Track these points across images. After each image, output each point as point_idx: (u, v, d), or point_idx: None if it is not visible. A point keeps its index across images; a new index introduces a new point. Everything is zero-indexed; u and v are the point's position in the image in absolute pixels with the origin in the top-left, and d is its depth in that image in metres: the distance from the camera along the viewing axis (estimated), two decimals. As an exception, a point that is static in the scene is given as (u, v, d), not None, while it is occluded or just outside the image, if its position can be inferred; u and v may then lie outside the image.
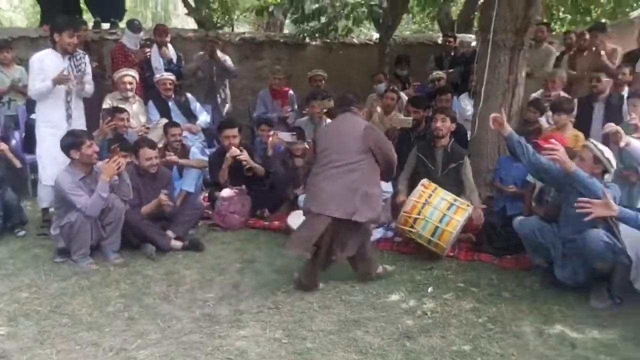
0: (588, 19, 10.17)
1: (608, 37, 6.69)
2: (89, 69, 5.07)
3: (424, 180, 4.57)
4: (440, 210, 4.34)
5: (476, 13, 10.85)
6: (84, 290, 3.80)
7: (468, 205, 4.46)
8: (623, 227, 3.72)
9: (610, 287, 3.70)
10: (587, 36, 6.59)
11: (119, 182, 4.36)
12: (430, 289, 3.90)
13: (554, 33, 8.69)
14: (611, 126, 4.07)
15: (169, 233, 4.62)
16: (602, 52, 6.10)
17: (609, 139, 4.35)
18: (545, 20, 8.25)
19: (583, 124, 5.21)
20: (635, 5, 9.07)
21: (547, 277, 4.02)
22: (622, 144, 4.01)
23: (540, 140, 4.63)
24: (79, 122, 4.94)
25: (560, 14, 10.92)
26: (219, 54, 7.19)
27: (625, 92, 5.59)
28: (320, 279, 3.87)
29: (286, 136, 5.62)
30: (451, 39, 8.06)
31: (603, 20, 8.53)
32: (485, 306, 3.64)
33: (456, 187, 4.75)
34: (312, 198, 3.77)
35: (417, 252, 4.53)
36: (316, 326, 3.32)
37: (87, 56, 5.10)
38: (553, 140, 4.25)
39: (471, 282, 4.04)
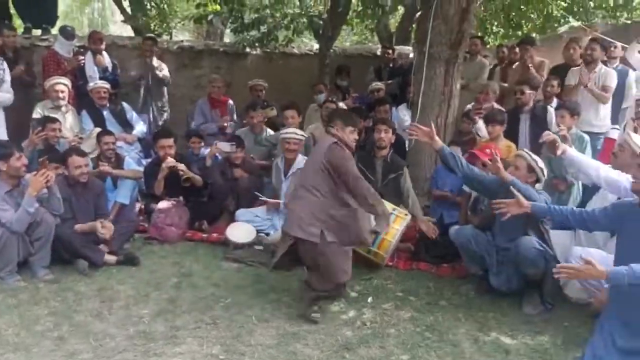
0: (519, 33, 10.60)
1: (537, 50, 6.98)
2: (7, 77, 4.81)
3: (364, 191, 4.59)
4: (379, 219, 4.38)
5: (414, 26, 11.13)
6: (11, 309, 3.61)
7: (406, 214, 4.54)
8: (553, 235, 3.89)
9: (542, 294, 3.84)
10: (517, 49, 6.86)
11: (49, 195, 4.17)
12: (369, 299, 3.93)
13: (487, 46, 8.98)
14: (549, 135, 4.22)
15: (102, 247, 4.46)
16: (530, 65, 6.34)
17: (538, 149, 4.53)
18: (479, 34, 8.54)
19: (511, 135, 5.39)
20: (563, 21, 9.52)
21: (482, 284, 4.12)
22: (559, 152, 4.17)
23: (476, 150, 4.78)
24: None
25: (494, 28, 11.33)
26: (155, 61, 7.02)
27: (554, 103, 5.85)
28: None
29: (225, 146, 5.54)
30: (390, 51, 8.20)
31: (533, 35, 8.91)
32: (423, 315, 3.70)
33: (395, 197, 4.82)
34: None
35: (357, 262, 4.52)
36: (255, 340, 3.27)
37: (4, 62, 4.84)
38: (489, 151, 4.44)
39: (410, 292, 4.10)
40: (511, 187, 3.67)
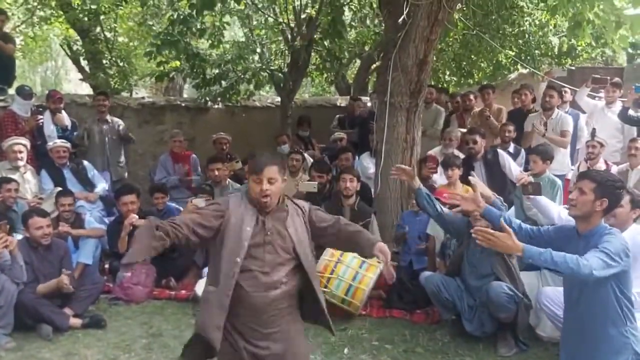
0: (471, 81, 11.05)
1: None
2: None
3: (335, 239, 4.60)
4: (353, 268, 4.40)
5: (370, 77, 11.48)
6: (-32, 383, 3.42)
7: (378, 262, 4.54)
8: (523, 275, 3.97)
9: (515, 335, 3.88)
10: (472, 97, 7.13)
11: (11, 262, 4.02)
12: (346, 350, 3.89)
13: (448, 93, 9.26)
14: (523, 177, 4.34)
15: (67, 310, 4.29)
16: (487, 112, 6.58)
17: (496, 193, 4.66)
18: (432, 83, 8.85)
19: (466, 183, 5.52)
20: (512, 68, 9.98)
21: (456, 328, 4.14)
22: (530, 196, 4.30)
23: (436, 194, 4.89)
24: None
25: (446, 77, 11.77)
26: (109, 117, 6.98)
27: (511, 148, 6.06)
28: None
29: (200, 202, 5.45)
30: (357, 102, 8.40)
31: (484, 82, 9.29)
32: (401, 363, 3.67)
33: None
34: None
35: (330, 312, 4.47)
36: (232, 400, 3.16)
37: None
38: (446, 195, 4.56)
39: (385, 340, 4.07)
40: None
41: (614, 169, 5.76)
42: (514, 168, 5.43)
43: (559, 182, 5.14)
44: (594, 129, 6.17)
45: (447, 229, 4.41)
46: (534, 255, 2.77)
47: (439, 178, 5.76)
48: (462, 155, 5.81)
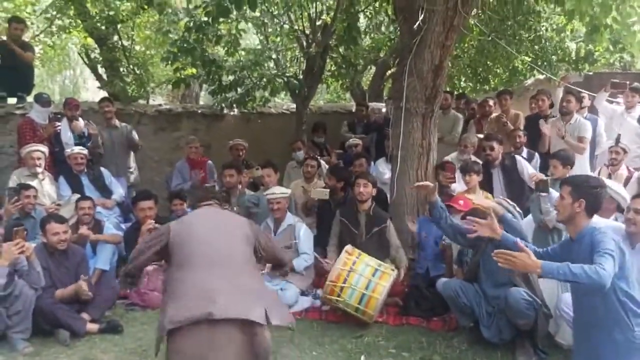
0: (487, 87, 10.98)
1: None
2: None
3: (348, 247, 4.60)
4: (366, 277, 4.37)
5: (385, 83, 11.46)
6: (-13, 387, 3.44)
7: (392, 270, 4.52)
8: (542, 281, 3.90)
9: (534, 342, 3.82)
10: (491, 102, 7.08)
11: (29, 268, 4.05)
12: (362, 358, 3.85)
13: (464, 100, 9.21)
14: (535, 176, 4.31)
15: (84, 316, 4.31)
16: (504, 118, 6.54)
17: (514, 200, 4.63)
18: (447, 89, 8.81)
19: (485, 190, 5.49)
20: (528, 74, 9.90)
21: (474, 335, 4.09)
22: (549, 192, 4.30)
23: (452, 201, 4.88)
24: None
25: (462, 83, 11.71)
26: (117, 123, 7.03)
27: (524, 153, 6.01)
28: None
29: None
30: (364, 108, 8.40)
31: (501, 88, 9.22)
32: (418, 371, 3.63)
33: (380, 251, 4.82)
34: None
35: (346, 319, 4.48)
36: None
37: None
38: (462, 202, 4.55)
39: (402, 347, 4.03)
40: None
41: (636, 175, 5.68)
42: (531, 173, 5.39)
43: None
44: (618, 135, 6.09)
45: (458, 241, 4.38)
46: (552, 270, 2.86)
47: (457, 186, 5.73)
48: (479, 162, 5.77)
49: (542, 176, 4.35)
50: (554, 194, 4.24)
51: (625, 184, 5.42)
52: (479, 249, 4.15)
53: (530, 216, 4.67)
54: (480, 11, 6.12)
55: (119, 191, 6.42)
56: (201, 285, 2.93)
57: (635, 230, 3.65)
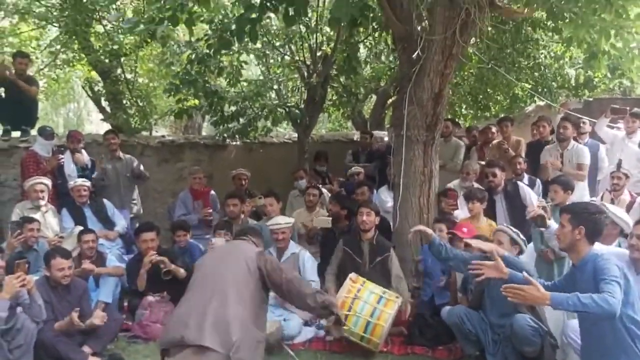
0: (488, 114, 11.04)
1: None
2: None
3: (352, 275, 4.57)
4: (371, 304, 4.33)
5: (386, 111, 11.54)
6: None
7: (397, 297, 4.49)
8: (547, 309, 3.86)
9: (540, 370, 3.76)
10: (493, 129, 7.11)
11: (30, 301, 4.03)
12: (367, 388, 3.79)
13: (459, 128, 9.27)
14: (533, 210, 4.30)
15: (86, 349, 4.27)
16: (505, 145, 6.56)
17: (517, 226, 4.61)
18: (449, 117, 8.87)
19: (489, 217, 5.49)
20: (528, 101, 9.97)
21: (480, 365, 4.03)
22: (547, 226, 4.26)
23: (456, 228, 4.87)
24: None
25: (463, 110, 11.79)
26: (121, 154, 7.07)
27: (525, 179, 6.02)
28: None
29: (220, 240, 5.44)
30: (367, 136, 8.44)
31: (501, 115, 9.28)
32: (424, 402, 3.57)
33: (384, 279, 4.79)
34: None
35: (351, 349, 4.43)
36: None
37: None
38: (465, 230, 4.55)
39: (408, 377, 3.97)
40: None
41: (639, 200, 5.67)
42: (534, 200, 5.38)
43: None
44: (620, 160, 6.12)
45: (462, 270, 4.36)
46: (562, 301, 2.86)
47: (460, 212, 5.73)
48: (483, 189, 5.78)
49: (540, 211, 4.31)
50: (554, 225, 4.24)
51: (628, 209, 5.41)
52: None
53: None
54: (478, 40, 6.19)
55: (121, 223, 6.43)
56: (186, 311, 3.12)
57: (639, 257, 3.63)
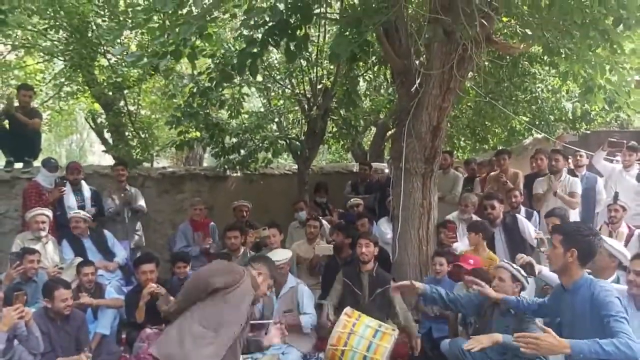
0: (486, 146, 11.14)
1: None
2: None
3: (347, 309, 4.55)
4: (367, 339, 4.31)
5: (385, 143, 11.64)
6: None
7: (393, 330, 4.46)
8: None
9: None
10: (492, 160, 7.18)
11: (28, 333, 4.02)
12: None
13: (456, 160, 9.35)
14: (522, 257, 4.29)
15: (83, 383, 4.24)
16: (503, 178, 6.61)
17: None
18: (447, 149, 8.95)
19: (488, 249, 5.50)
20: (526, 134, 10.07)
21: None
22: (536, 272, 4.28)
23: (462, 260, 4.88)
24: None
25: (461, 142, 11.88)
26: (128, 187, 7.16)
27: (522, 212, 6.04)
28: None
29: None
30: (366, 167, 8.50)
31: (499, 147, 9.36)
32: None
33: (382, 312, 4.78)
34: None
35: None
36: None
37: None
38: (472, 262, 4.55)
39: (407, 412, 3.93)
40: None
41: (637, 233, 5.68)
42: (532, 232, 5.41)
43: None
44: (616, 193, 6.15)
45: (461, 311, 4.37)
46: (582, 350, 2.74)
47: (459, 244, 5.75)
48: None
49: (528, 258, 4.33)
50: (544, 270, 4.27)
51: (627, 241, 5.42)
52: (484, 314, 4.13)
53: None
54: (475, 74, 6.29)
55: (121, 253, 6.44)
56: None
57: (638, 292, 3.63)
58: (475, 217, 5.97)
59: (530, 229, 5.51)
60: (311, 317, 5.03)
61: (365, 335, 4.31)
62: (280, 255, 5.31)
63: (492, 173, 7.02)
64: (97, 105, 10.14)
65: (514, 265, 4.19)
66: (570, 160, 6.89)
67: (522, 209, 6.14)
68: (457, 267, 4.88)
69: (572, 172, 6.58)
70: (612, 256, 4.15)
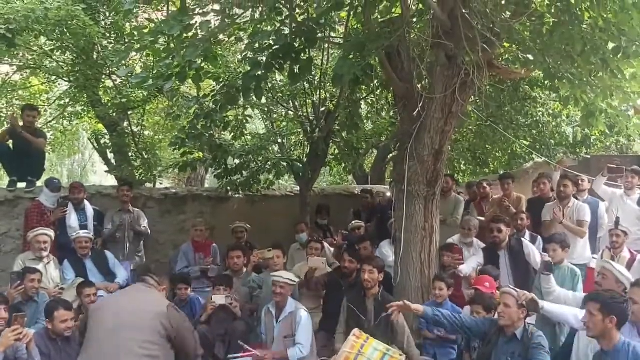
0: (486, 170, 11.18)
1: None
2: None
3: (355, 330, 4.52)
4: (374, 361, 4.27)
5: (387, 166, 11.69)
6: None
7: (401, 355, 4.42)
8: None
9: None
10: (485, 185, 7.22)
11: (27, 356, 4.00)
12: None
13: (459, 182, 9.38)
14: (525, 295, 4.29)
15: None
16: (506, 202, 6.61)
17: (520, 283, 4.62)
18: (448, 172, 8.98)
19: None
20: (527, 158, 10.11)
21: None
22: (540, 308, 4.28)
23: (477, 283, 5.02)
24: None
25: (462, 166, 11.93)
26: (131, 208, 7.18)
27: (526, 236, 6.04)
28: None
29: (220, 299, 5.38)
30: (367, 195, 8.52)
31: (500, 171, 9.41)
32: None
33: (387, 336, 4.73)
34: None
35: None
36: None
37: None
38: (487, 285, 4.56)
39: None
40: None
41: (639, 258, 5.68)
42: (538, 258, 5.40)
43: (578, 272, 5.13)
44: (617, 218, 6.15)
45: (466, 333, 4.36)
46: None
47: (465, 267, 5.73)
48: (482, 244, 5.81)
49: (531, 295, 4.30)
50: (547, 306, 4.28)
51: (629, 266, 5.41)
52: (489, 340, 4.11)
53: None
54: (477, 98, 6.35)
55: (122, 274, 6.42)
56: None
57: (635, 319, 3.71)
58: (476, 241, 5.97)
59: (535, 253, 5.50)
60: (301, 348, 4.93)
61: (373, 358, 4.27)
62: (286, 275, 5.28)
63: (495, 197, 7.03)
64: (100, 126, 10.19)
65: (519, 291, 4.16)
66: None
67: (526, 232, 6.14)
68: (475, 289, 4.89)
69: (574, 197, 6.58)
70: (619, 282, 4.21)
